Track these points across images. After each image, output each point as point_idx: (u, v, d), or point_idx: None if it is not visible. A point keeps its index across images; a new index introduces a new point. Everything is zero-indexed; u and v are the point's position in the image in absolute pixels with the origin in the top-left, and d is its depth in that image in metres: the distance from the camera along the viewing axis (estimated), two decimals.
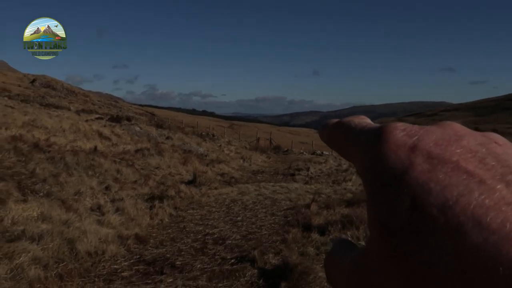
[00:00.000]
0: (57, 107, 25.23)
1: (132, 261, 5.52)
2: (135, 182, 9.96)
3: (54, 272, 4.71)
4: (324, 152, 26.37)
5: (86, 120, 18.35)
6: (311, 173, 15.21)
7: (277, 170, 16.07)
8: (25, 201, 6.67)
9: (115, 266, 5.28)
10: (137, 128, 19.35)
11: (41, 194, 7.31)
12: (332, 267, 0.33)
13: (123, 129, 18.04)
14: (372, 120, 0.34)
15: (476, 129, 0.31)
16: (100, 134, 15.18)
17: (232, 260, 5.57)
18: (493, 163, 0.26)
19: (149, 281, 4.89)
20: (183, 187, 10.10)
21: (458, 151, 0.26)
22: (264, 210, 8.53)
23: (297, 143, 37.54)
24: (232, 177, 13.43)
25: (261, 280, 4.87)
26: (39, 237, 5.35)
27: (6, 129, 11.36)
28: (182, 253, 5.90)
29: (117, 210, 7.38)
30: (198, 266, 5.39)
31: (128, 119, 23.54)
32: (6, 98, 23.40)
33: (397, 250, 0.24)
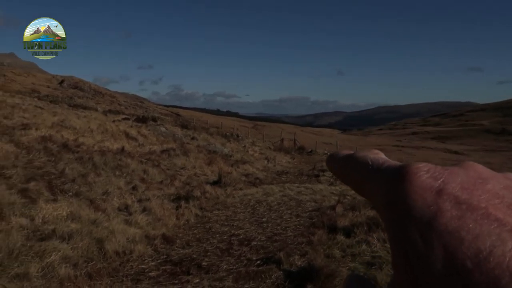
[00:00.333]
0: (84, 107, 25.79)
1: (159, 261, 5.58)
2: (161, 182, 10.08)
3: (84, 271, 4.80)
4: None
5: (113, 121, 18.69)
6: None
7: (302, 171, 15.97)
8: (55, 200, 6.83)
9: (142, 266, 5.35)
10: (163, 129, 19.59)
11: (70, 193, 7.48)
12: None
13: (149, 130, 18.29)
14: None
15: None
16: (127, 135, 15.43)
17: (258, 262, 5.56)
18: None
19: (176, 281, 4.92)
20: (208, 187, 10.15)
21: (484, 196, 0.25)
22: (289, 211, 8.48)
23: (321, 144, 37.30)
24: (257, 177, 13.43)
25: (287, 282, 4.84)
26: (68, 236, 5.47)
27: (36, 129, 11.66)
28: (208, 253, 5.93)
29: (144, 210, 7.48)
30: (224, 267, 5.40)
31: (154, 119, 23.85)
32: (35, 99, 24.08)
33: None
